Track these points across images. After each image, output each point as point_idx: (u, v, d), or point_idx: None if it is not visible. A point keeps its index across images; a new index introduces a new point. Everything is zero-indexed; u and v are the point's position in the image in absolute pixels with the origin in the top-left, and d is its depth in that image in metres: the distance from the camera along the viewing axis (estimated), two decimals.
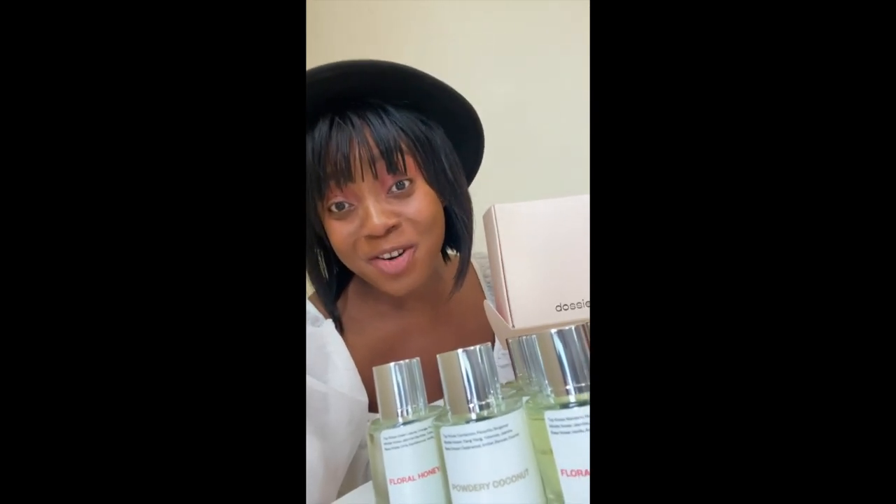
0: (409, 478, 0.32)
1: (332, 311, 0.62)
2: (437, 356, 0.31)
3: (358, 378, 0.57)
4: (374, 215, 0.51)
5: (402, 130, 0.53)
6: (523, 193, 0.49)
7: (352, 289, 0.66)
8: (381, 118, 0.53)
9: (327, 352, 0.57)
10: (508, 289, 0.44)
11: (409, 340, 0.63)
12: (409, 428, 0.33)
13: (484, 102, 0.64)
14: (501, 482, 0.27)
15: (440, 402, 0.45)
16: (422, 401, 0.35)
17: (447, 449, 0.28)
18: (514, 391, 0.38)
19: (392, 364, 0.35)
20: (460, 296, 0.63)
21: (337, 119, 0.52)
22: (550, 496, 0.28)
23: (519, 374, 0.41)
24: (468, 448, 0.27)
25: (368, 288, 0.62)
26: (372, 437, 0.34)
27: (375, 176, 0.52)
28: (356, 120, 0.52)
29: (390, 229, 0.53)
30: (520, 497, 0.27)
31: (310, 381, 0.52)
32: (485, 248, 0.50)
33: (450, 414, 0.30)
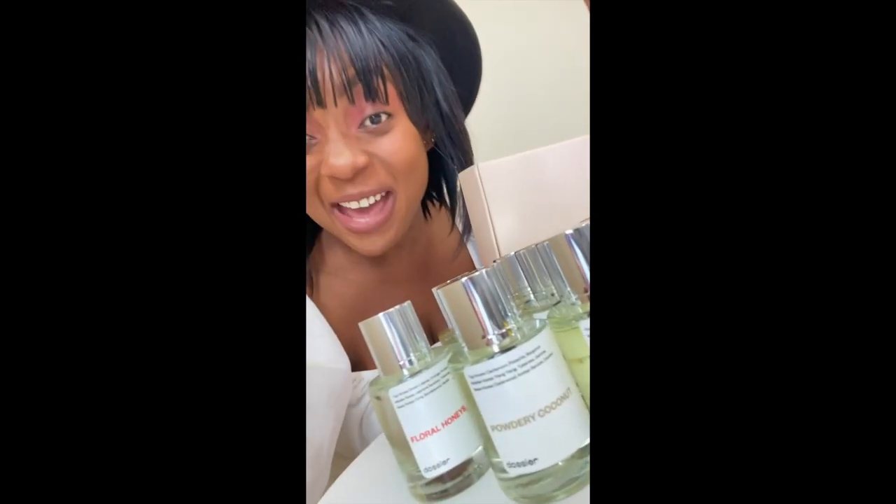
0: (433, 430, 0.28)
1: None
2: (435, 290, 0.27)
3: (337, 343, 0.49)
4: (339, 152, 0.40)
5: (383, 46, 0.41)
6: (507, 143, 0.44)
7: (326, 236, 0.54)
8: (358, 26, 0.40)
9: None
10: (500, 250, 0.41)
11: (388, 294, 0.56)
12: (418, 379, 0.29)
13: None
14: (547, 409, 0.24)
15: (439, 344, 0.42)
16: (423, 344, 0.31)
17: (477, 390, 0.25)
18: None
19: (381, 315, 0.30)
20: (444, 250, 0.56)
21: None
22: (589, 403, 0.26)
23: (515, 294, 0.38)
24: (501, 383, 0.24)
25: None
26: (379, 397, 0.30)
27: (352, 101, 0.40)
28: (326, 26, 0.39)
29: (359, 171, 0.42)
30: (570, 417, 0.24)
31: None
32: None
33: (466, 350, 0.26)
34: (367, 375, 0.53)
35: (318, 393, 0.47)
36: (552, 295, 0.32)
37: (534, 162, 0.42)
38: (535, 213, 0.42)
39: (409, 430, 0.29)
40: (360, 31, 0.40)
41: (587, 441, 0.24)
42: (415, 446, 0.29)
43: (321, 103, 0.40)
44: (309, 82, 0.39)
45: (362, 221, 0.45)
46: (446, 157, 0.49)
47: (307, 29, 0.39)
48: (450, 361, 0.27)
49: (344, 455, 0.52)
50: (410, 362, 0.30)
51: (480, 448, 0.30)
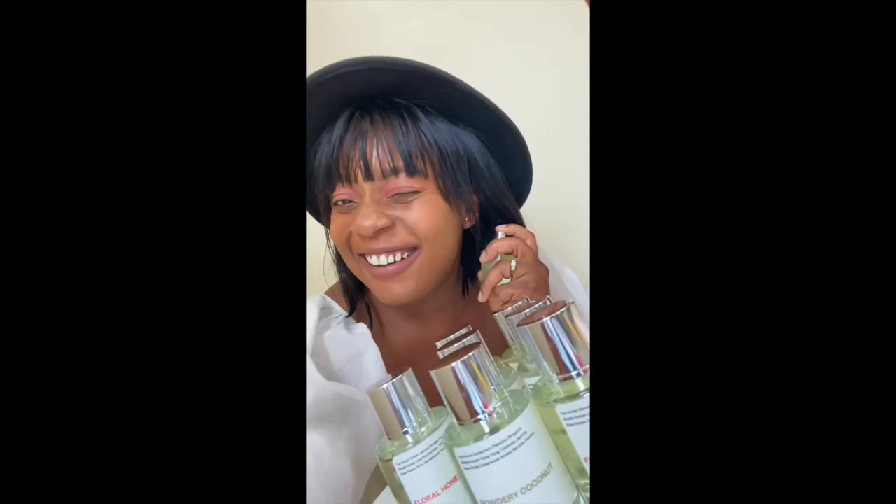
0: (434, 494, 0.31)
1: (355, 302, 0.59)
2: (432, 372, 0.29)
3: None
4: (366, 215, 0.49)
5: (426, 137, 0.50)
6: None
7: None
8: (406, 123, 0.49)
9: (361, 360, 0.55)
10: None
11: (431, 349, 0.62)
12: (420, 447, 0.32)
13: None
14: (529, 486, 0.26)
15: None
16: (422, 406, 0.34)
17: (466, 468, 0.27)
18: (514, 368, 0.38)
19: (385, 385, 0.33)
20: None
21: (357, 115, 0.49)
22: (573, 471, 0.28)
23: (513, 346, 0.40)
24: (487, 464, 0.26)
25: None
26: (383, 461, 0.33)
27: (394, 176, 0.49)
28: (378, 119, 0.49)
29: (381, 230, 0.50)
30: (551, 492, 0.27)
31: (349, 389, 0.50)
32: None
33: (457, 426, 0.29)
34: None
35: (372, 428, 0.51)
36: None
37: None
38: None
39: (413, 494, 0.32)
40: (406, 125, 0.49)
41: None
42: None
43: (370, 177, 0.49)
44: (361, 162, 0.49)
45: (382, 270, 0.52)
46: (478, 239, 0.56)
47: (362, 119, 0.49)
48: (446, 438, 0.30)
49: None
50: (411, 429, 0.33)
51: None
